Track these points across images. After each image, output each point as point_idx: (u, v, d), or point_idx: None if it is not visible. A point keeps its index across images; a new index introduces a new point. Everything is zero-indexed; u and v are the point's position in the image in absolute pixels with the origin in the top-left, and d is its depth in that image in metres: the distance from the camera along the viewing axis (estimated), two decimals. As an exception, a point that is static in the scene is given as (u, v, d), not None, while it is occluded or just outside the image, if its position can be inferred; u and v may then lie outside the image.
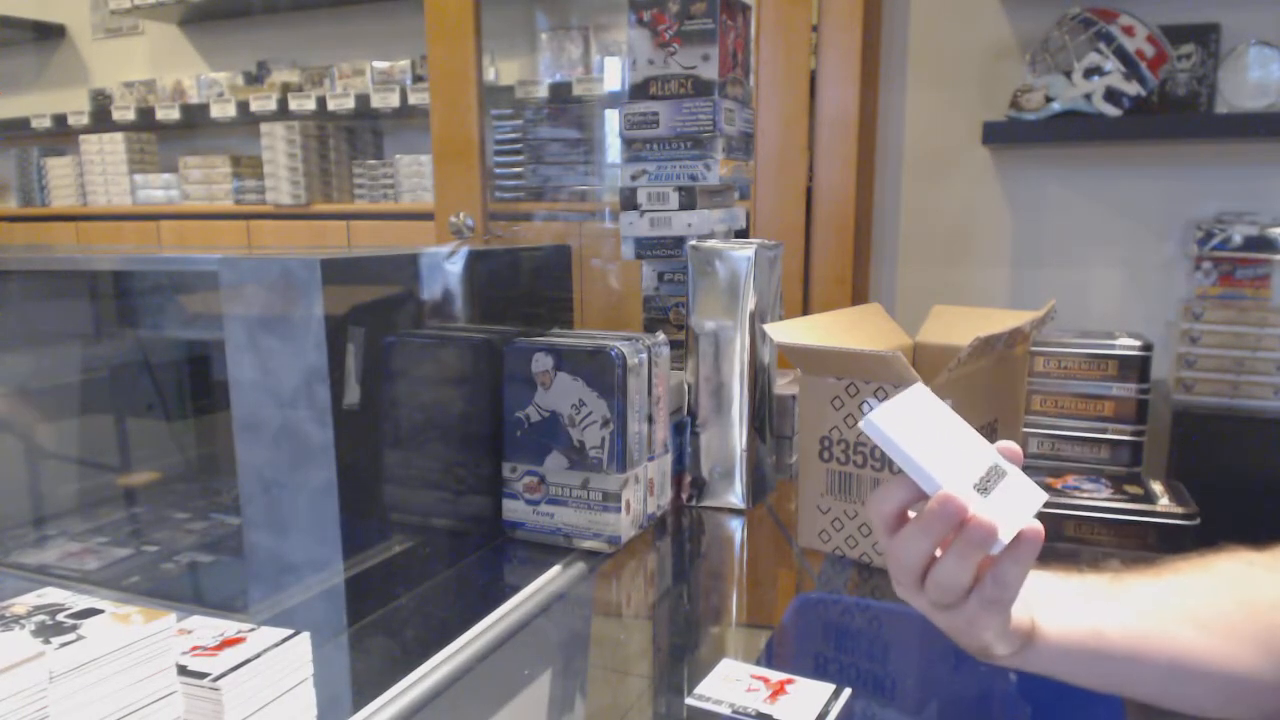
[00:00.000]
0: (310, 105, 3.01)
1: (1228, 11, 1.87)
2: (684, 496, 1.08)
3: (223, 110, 3.18)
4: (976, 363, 0.87)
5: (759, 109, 2.02)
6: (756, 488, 1.07)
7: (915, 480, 0.53)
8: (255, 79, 3.24)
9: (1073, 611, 0.59)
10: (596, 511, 0.92)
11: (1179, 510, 1.00)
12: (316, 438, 0.74)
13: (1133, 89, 1.75)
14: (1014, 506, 0.54)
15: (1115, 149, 2.01)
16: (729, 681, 0.64)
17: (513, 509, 0.96)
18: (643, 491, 0.97)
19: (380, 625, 0.78)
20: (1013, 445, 0.57)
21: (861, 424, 0.54)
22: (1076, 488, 1.07)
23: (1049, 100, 1.82)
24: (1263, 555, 0.62)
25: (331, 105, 3.00)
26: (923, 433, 0.54)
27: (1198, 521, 0.99)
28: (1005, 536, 0.51)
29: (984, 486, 0.53)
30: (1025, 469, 0.57)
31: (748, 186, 1.22)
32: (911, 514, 0.55)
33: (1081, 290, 2.07)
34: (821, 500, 0.92)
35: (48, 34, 3.64)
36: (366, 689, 0.66)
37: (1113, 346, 1.19)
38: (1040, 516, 0.55)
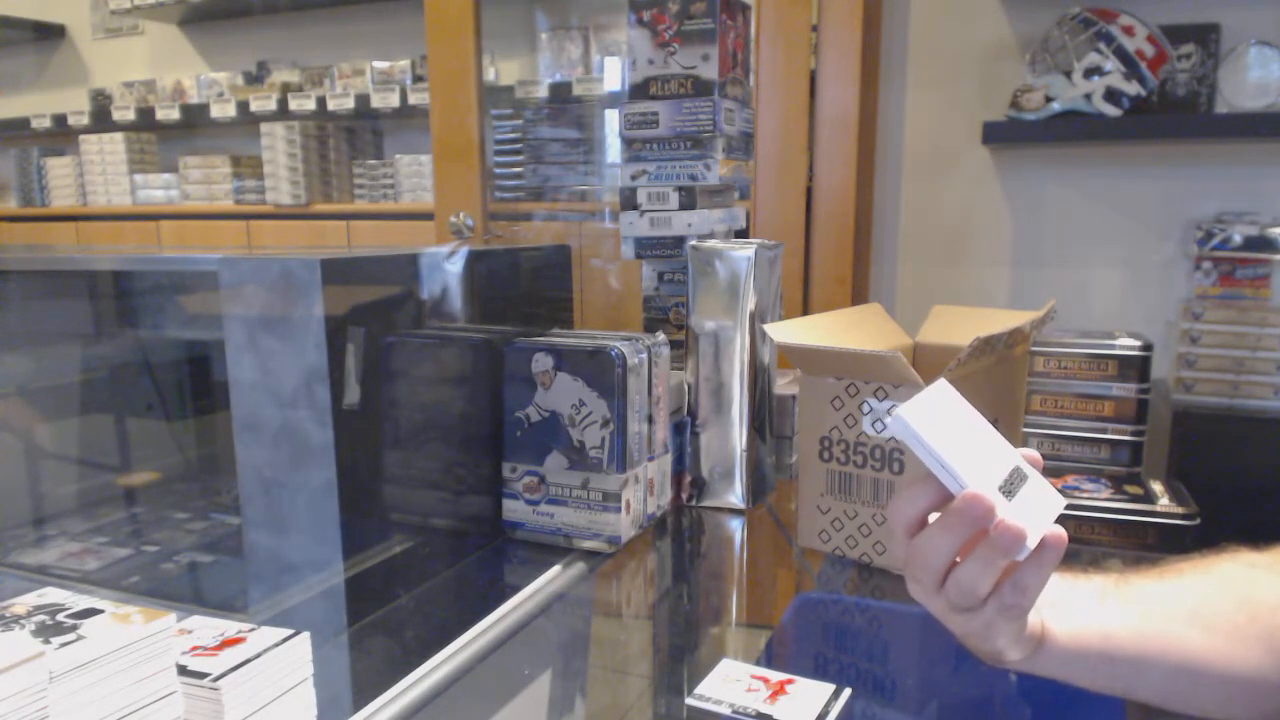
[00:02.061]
0: (310, 105, 3.02)
1: (1228, 11, 1.87)
2: (684, 496, 1.08)
3: (223, 110, 3.18)
4: (976, 363, 0.87)
5: (759, 109, 2.02)
6: (756, 488, 1.07)
7: (941, 480, 0.52)
8: (255, 79, 3.24)
9: (1080, 614, 0.59)
10: (596, 511, 0.92)
11: (1179, 510, 1.00)
12: (316, 438, 0.74)
13: (1133, 89, 1.75)
14: (1036, 511, 0.53)
15: (1115, 149, 2.01)
16: (729, 681, 0.64)
17: (513, 509, 0.96)
18: (643, 491, 0.97)
19: (380, 625, 0.78)
20: (1034, 453, 0.56)
21: (889, 421, 0.53)
22: (1076, 488, 1.07)
23: (1049, 100, 1.82)
24: (1264, 556, 0.62)
25: (331, 105, 3.00)
26: (949, 432, 0.53)
27: (1198, 521, 0.99)
28: (1032, 542, 0.50)
29: (1008, 489, 0.52)
30: None
31: (748, 186, 1.22)
32: (933, 518, 0.55)
33: (1081, 290, 2.07)
34: (821, 500, 0.92)
35: (48, 34, 3.64)
36: (366, 689, 0.66)
37: (1113, 346, 1.19)
38: None
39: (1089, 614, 0.59)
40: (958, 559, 0.53)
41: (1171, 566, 0.62)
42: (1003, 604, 0.53)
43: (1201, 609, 0.59)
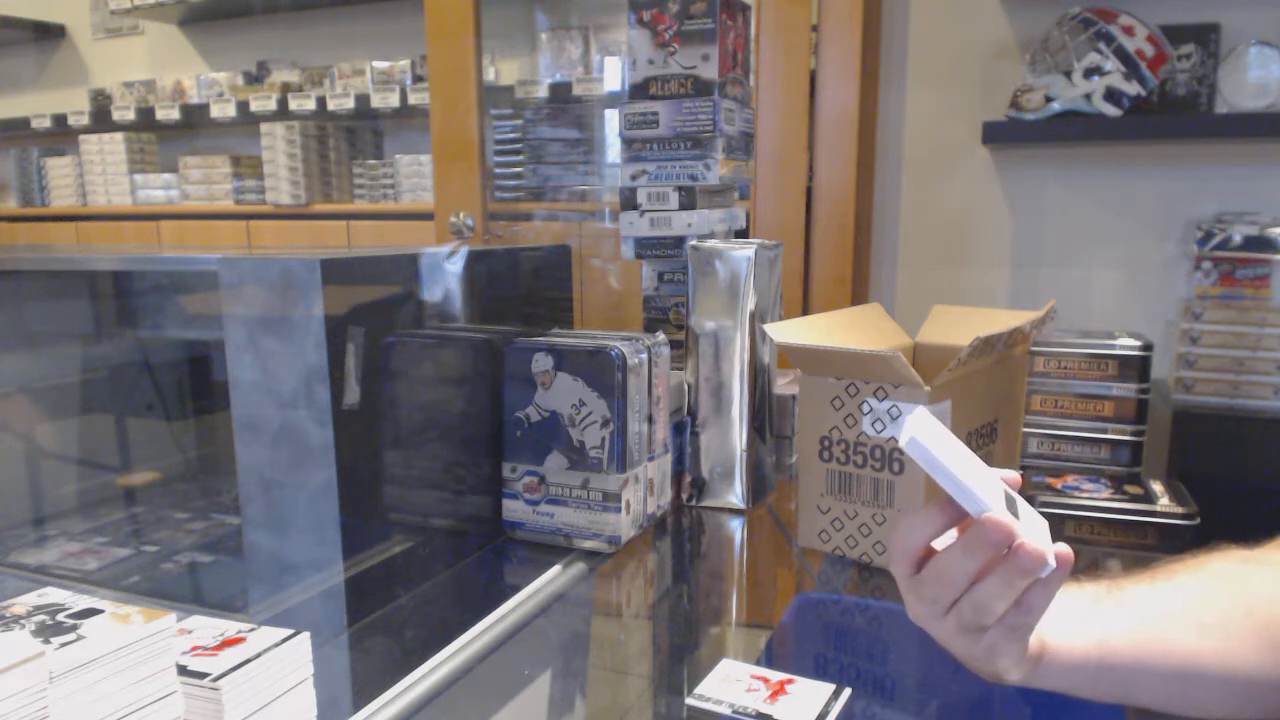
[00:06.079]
0: (310, 105, 3.02)
1: (1228, 11, 1.87)
2: (684, 496, 1.08)
3: (223, 110, 3.18)
4: (976, 363, 0.87)
5: (759, 109, 2.02)
6: (756, 488, 1.07)
7: (960, 502, 0.52)
8: (255, 79, 3.24)
9: (1076, 625, 0.58)
10: (596, 511, 0.92)
11: (1179, 510, 1.00)
12: (316, 438, 0.74)
13: (1133, 89, 1.75)
14: (1036, 531, 0.52)
15: (1115, 149, 2.01)
16: (729, 681, 0.64)
17: (513, 509, 0.96)
18: (643, 491, 0.97)
19: (380, 625, 0.78)
20: (1012, 474, 0.56)
21: (903, 444, 0.52)
22: (1076, 488, 1.07)
23: (1049, 100, 1.82)
24: (1255, 552, 0.62)
25: (331, 105, 3.00)
26: (951, 455, 0.52)
27: (1198, 521, 0.99)
28: (1053, 562, 0.50)
29: (1012, 511, 0.52)
30: (1024, 469, 0.57)
31: (748, 186, 1.21)
32: (936, 545, 0.55)
33: (1081, 290, 2.07)
34: (821, 500, 0.92)
35: (48, 34, 3.64)
36: (366, 689, 0.66)
37: (1113, 346, 1.19)
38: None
39: (1084, 624, 0.59)
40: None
41: (1163, 568, 0.62)
42: (1007, 624, 0.53)
43: (1195, 608, 0.59)
